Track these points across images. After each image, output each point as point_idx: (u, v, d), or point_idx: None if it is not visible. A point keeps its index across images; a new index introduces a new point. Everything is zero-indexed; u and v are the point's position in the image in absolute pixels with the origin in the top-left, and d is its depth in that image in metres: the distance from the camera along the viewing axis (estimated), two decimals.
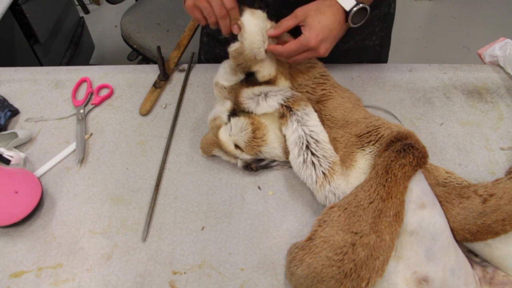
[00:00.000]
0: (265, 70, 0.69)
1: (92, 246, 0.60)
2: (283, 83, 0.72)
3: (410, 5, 2.50)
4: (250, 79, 0.71)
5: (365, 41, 0.84)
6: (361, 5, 0.62)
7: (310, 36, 0.61)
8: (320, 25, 0.61)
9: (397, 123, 0.72)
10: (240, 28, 0.63)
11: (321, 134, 0.64)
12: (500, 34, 0.88)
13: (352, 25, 0.64)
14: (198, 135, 0.73)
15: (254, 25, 0.63)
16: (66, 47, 1.68)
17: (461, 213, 0.54)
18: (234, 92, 0.71)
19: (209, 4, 0.62)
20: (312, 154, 0.62)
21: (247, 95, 0.68)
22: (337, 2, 0.62)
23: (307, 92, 0.71)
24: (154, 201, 0.65)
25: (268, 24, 0.65)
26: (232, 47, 0.65)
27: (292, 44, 0.63)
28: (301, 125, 0.64)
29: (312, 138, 0.63)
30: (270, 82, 0.71)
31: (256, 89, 0.69)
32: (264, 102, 0.67)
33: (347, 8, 0.62)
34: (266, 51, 0.65)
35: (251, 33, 0.63)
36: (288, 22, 0.63)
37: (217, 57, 0.91)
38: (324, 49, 0.63)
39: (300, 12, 0.63)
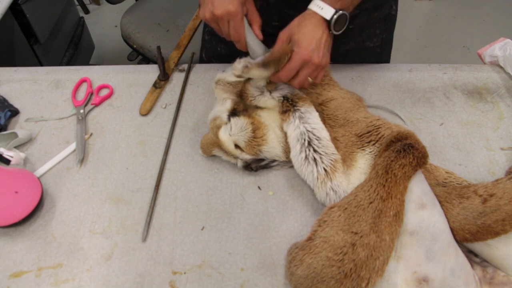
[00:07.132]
0: None
1: (92, 246, 0.60)
2: None
3: (410, 5, 2.50)
4: None
5: (366, 42, 0.84)
6: (340, 12, 0.61)
7: (299, 51, 0.61)
8: (305, 37, 0.61)
9: (398, 122, 0.72)
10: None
11: (323, 132, 0.64)
12: (500, 34, 0.88)
13: (334, 33, 0.64)
14: (198, 135, 0.73)
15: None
16: (66, 47, 1.68)
17: (461, 213, 0.54)
18: (240, 84, 0.72)
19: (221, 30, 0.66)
20: (314, 150, 0.62)
21: (255, 83, 0.70)
22: (317, 13, 0.62)
23: (314, 93, 0.72)
24: (154, 201, 0.65)
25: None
26: (236, 71, 0.66)
27: (286, 67, 0.63)
28: (303, 122, 0.65)
29: (314, 135, 0.64)
30: None
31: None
32: (268, 93, 0.68)
33: (327, 17, 0.62)
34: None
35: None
36: (279, 49, 0.63)
37: (219, 56, 0.90)
38: (318, 58, 0.62)
39: (284, 34, 0.63)
